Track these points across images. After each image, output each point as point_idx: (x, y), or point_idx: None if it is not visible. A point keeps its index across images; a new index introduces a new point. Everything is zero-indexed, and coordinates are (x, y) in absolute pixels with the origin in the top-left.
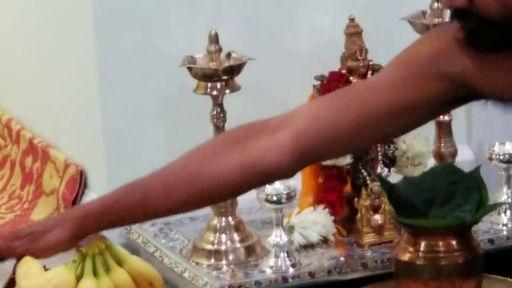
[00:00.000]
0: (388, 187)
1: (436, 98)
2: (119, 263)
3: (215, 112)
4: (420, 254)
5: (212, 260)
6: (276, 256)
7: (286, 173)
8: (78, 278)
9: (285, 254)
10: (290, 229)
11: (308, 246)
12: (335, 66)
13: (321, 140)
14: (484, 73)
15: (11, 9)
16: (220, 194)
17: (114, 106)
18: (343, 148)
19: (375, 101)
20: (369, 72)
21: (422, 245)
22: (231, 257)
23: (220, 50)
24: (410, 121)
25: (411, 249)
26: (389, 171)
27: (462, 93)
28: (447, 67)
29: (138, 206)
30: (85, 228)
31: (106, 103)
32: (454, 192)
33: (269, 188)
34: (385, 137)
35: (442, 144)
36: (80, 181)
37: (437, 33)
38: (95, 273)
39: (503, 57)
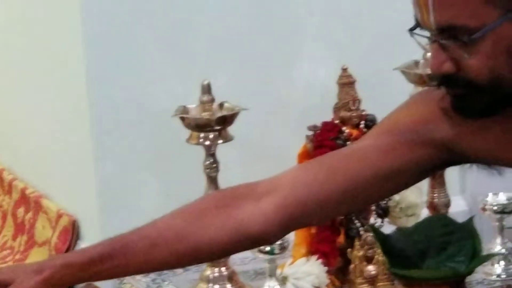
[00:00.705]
0: (381, 238)
1: (422, 163)
2: None
3: (207, 162)
4: None
5: None
6: None
7: (271, 239)
8: None
9: None
10: (283, 280)
11: None
12: (328, 116)
13: (307, 206)
14: (470, 139)
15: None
16: (205, 256)
17: (107, 157)
18: (329, 213)
19: (361, 167)
20: (362, 122)
21: None
22: None
23: (213, 100)
24: (398, 185)
25: None
26: (382, 221)
27: (447, 158)
28: (431, 134)
29: (120, 260)
30: (62, 279)
31: (99, 153)
32: (447, 243)
33: None
34: (371, 201)
35: (436, 195)
36: (73, 232)
37: (420, 99)
38: None
39: (491, 121)
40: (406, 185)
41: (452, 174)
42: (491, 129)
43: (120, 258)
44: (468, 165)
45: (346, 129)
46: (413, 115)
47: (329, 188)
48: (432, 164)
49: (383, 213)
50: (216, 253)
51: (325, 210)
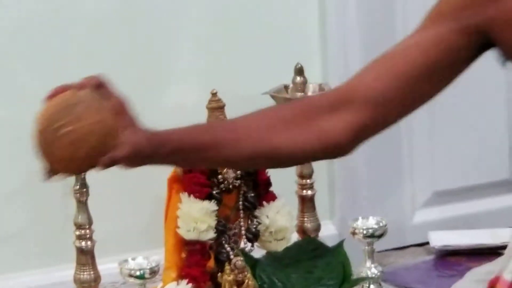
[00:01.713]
0: (251, 262)
1: (465, 52)
2: None
3: (77, 186)
4: None
5: None
6: None
7: (348, 150)
8: None
9: None
10: None
11: None
12: None
13: (384, 107)
14: (505, 26)
15: None
16: (283, 161)
17: None
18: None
19: (418, 61)
20: None
21: None
22: None
23: None
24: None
25: None
26: (252, 245)
27: (485, 45)
28: (473, 18)
29: (208, 144)
30: (149, 146)
31: None
32: (317, 267)
33: (132, 263)
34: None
35: (306, 219)
36: None
37: None
38: None
39: None
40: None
41: (322, 198)
42: None
43: (208, 142)
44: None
45: None
46: (451, 2)
47: (398, 84)
48: (472, 52)
49: (253, 237)
50: (294, 159)
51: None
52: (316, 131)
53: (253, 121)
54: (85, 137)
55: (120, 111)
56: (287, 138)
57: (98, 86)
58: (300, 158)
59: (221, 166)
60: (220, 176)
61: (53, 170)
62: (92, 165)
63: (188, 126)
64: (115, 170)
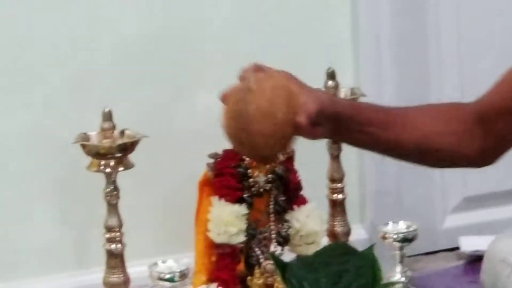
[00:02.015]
0: (281, 266)
1: None
2: None
3: (108, 189)
4: None
5: None
6: None
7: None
8: None
9: None
10: None
11: None
12: (229, 144)
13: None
14: None
15: None
16: (431, 159)
17: (5, 185)
18: None
19: None
20: None
21: None
22: None
23: (113, 127)
24: None
25: None
26: (282, 249)
27: None
28: None
29: (380, 121)
30: (330, 103)
31: None
32: (347, 271)
33: (162, 266)
34: None
35: (336, 223)
36: None
37: None
38: None
39: None
40: None
41: (352, 202)
42: None
43: (385, 129)
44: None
45: (246, 158)
46: None
47: None
48: None
49: (284, 241)
50: (444, 159)
51: None
52: (468, 138)
53: (419, 113)
54: (273, 104)
55: (289, 76)
56: (444, 136)
57: (257, 70)
58: (448, 160)
59: (380, 148)
60: (251, 180)
61: (257, 155)
62: (288, 133)
63: (358, 102)
64: (145, 172)
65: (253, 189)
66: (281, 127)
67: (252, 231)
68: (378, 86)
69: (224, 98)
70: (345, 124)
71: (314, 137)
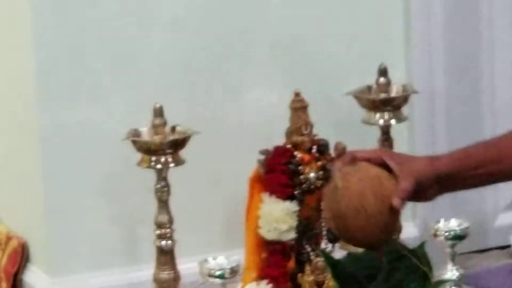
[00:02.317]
0: (332, 263)
1: None
2: None
3: (159, 186)
4: None
5: None
6: None
7: None
8: None
9: None
10: None
11: None
12: (281, 141)
13: None
14: None
15: None
16: None
17: (57, 180)
18: None
19: None
20: (314, 147)
21: None
22: None
23: (165, 123)
24: None
25: None
26: (333, 246)
27: None
28: None
29: (492, 159)
30: (431, 169)
31: (48, 177)
32: (398, 269)
33: (212, 263)
34: None
35: None
36: (22, 255)
37: None
38: None
39: None
40: None
41: None
42: None
43: (499, 163)
44: None
45: (298, 154)
46: None
47: None
48: None
49: (334, 238)
50: None
51: None
52: None
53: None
54: (362, 199)
55: (383, 154)
56: None
57: (347, 162)
58: None
59: (494, 180)
60: (302, 177)
61: (365, 246)
62: (386, 219)
63: (462, 150)
64: (196, 169)
65: (304, 185)
66: (375, 218)
67: (303, 228)
68: (430, 83)
69: (323, 198)
70: (454, 177)
71: (428, 200)
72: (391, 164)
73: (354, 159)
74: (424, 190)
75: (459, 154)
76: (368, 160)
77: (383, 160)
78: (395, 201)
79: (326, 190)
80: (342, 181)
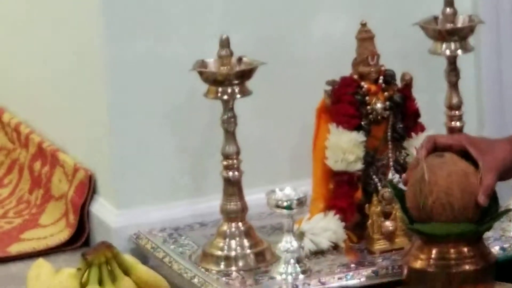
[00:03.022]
0: (400, 194)
1: None
2: (126, 272)
3: (225, 117)
4: (432, 261)
5: (222, 266)
6: (286, 263)
7: None
8: (83, 286)
9: (295, 261)
10: (300, 236)
11: (319, 253)
12: (347, 71)
13: None
14: None
15: (18, 10)
16: None
17: (123, 112)
18: None
19: None
20: (381, 77)
21: (434, 252)
22: (241, 264)
23: (231, 54)
24: None
25: (422, 256)
26: (400, 177)
27: None
28: None
29: None
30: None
31: (115, 108)
32: None
33: (279, 194)
34: None
35: None
36: (89, 186)
37: None
38: (100, 282)
39: None
40: None
41: (470, 130)
42: None
43: None
44: None
45: (364, 84)
46: None
47: None
48: None
49: (401, 168)
50: None
51: None
52: None
53: None
54: (450, 195)
55: (466, 141)
56: None
57: (430, 148)
58: None
59: None
60: (369, 107)
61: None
62: (470, 214)
63: None
64: (263, 100)
65: (370, 116)
66: (460, 213)
67: (370, 159)
68: (496, 13)
69: (405, 184)
70: None
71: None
72: (474, 153)
73: (439, 148)
74: (507, 172)
75: None
76: (450, 146)
77: (464, 147)
78: (481, 199)
79: (412, 177)
80: (430, 174)
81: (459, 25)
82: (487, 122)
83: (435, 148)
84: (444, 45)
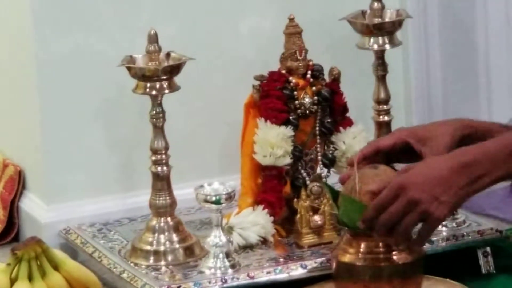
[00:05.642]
0: (334, 195)
1: None
2: (56, 267)
3: (154, 112)
4: (360, 255)
5: (151, 261)
6: (215, 257)
7: None
8: (13, 281)
9: (224, 255)
10: (229, 230)
11: (247, 247)
12: (275, 66)
13: None
14: None
15: None
16: None
17: (53, 107)
18: None
19: None
20: (309, 72)
21: (362, 246)
22: (170, 258)
23: (159, 50)
24: None
25: (351, 250)
26: (328, 171)
27: None
28: None
29: None
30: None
31: (44, 104)
32: None
33: (208, 189)
34: None
35: None
36: (19, 182)
37: None
38: (30, 277)
39: None
40: None
41: (398, 125)
42: None
43: None
44: None
45: (292, 79)
46: None
47: None
48: None
49: (330, 163)
50: None
51: None
52: None
53: None
54: None
55: (409, 140)
56: None
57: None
58: None
59: None
60: (297, 102)
61: None
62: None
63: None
64: (191, 95)
65: (299, 111)
66: None
67: (298, 153)
68: (424, 7)
69: (342, 183)
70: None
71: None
72: (414, 145)
73: (384, 151)
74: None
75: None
76: (394, 145)
77: (407, 142)
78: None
79: (345, 186)
80: (361, 185)
81: (387, 19)
82: (414, 117)
83: (378, 153)
84: (372, 40)
